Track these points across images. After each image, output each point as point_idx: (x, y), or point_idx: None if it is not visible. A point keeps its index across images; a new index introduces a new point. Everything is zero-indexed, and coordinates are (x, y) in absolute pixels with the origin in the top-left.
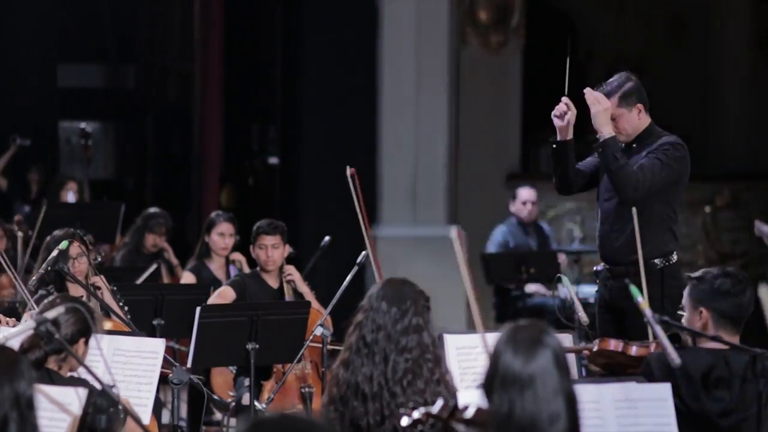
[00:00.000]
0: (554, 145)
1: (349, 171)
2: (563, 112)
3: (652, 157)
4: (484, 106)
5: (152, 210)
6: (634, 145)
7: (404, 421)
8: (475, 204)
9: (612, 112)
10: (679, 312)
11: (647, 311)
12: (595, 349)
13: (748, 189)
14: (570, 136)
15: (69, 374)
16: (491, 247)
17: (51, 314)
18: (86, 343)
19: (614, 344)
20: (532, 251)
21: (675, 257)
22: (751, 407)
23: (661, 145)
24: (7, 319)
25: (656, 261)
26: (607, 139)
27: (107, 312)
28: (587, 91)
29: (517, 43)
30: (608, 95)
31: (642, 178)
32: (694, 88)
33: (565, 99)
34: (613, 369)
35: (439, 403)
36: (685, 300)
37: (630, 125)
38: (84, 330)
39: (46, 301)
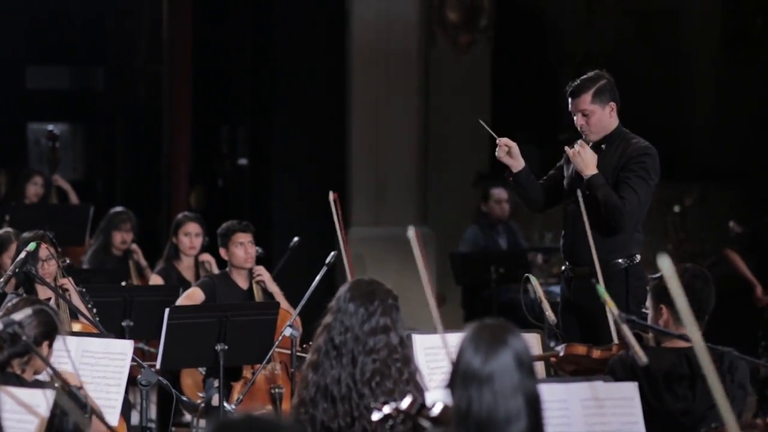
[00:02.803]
0: (510, 178)
1: (331, 196)
2: (507, 151)
3: (633, 176)
4: (454, 107)
5: (115, 209)
6: (603, 146)
7: (375, 416)
8: (445, 204)
9: (584, 108)
10: (644, 311)
11: (614, 310)
12: (561, 354)
13: (716, 188)
14: (522, 164)
15: (33, 378)
16: (462, 247)
17: (18, 316)
18: (50, 345)
19: (579, 348)
20: (502, 251)
21: (638, 258)
22: (714, 405)
23: (636, 157)
24: None
25: (620, 261)
26: (591, 179)
27: (75, 314)
28: (567, 149)
29: (487, 44)
30: (581, 91)
31: (629, 209)
32: (663, 88)
33: (501, 140)
34: (582, 374)
35: (408, 399)
36: (648, 299)
37: (601, 123)
38: (47, 332)
39: (9, 303)
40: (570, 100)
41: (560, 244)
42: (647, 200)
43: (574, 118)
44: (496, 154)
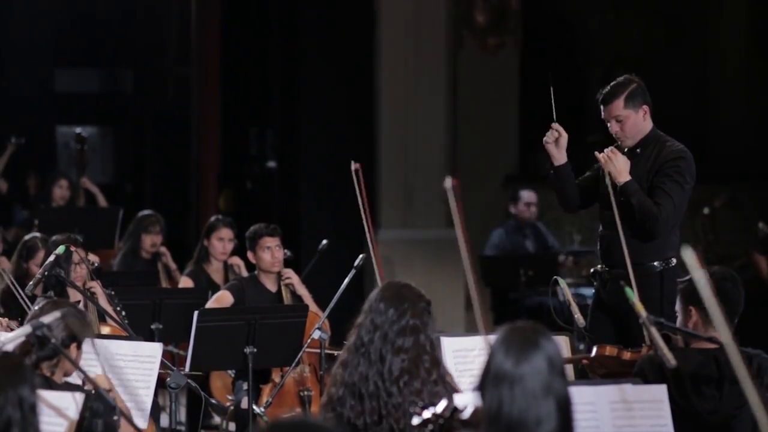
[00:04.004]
0: (551, 171)
1: (353, 166)
2: (555, 138)
3: (668, 181)
4: (482, 109)
5: (143, 212)
6: (638, 150)
7: (415, 421)
8: (473, 206)
9: (618, 114)
10: (677, 314)
11: (642, 312)
12: (593, 355)
13: (746, 190)
14: (565, 159)
15: (64, 380)
16: (489, 250)
17: (47, 319)
18: (78, 347)
19: (609, 350)
20: (530, 253)
21: (674, 261)
22: (743, 406)
23: (672, 161)
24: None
25: (655, 264)
26: (624, 186)
27: (104, 317)
28: (598, 155)
29: (514, 46)
30: (613, 97)
31: (664, 215)
32: (691, 89)
33: (555, 125)
34: (612, 377)
35: (443, 402)
36: (677, 302)
37: (636, 127)
38: (75, 335)
39: (36, 307)
40: (602, 107)
41: (597, 246)
42: (683, 204)
43: (608, 125)
44: (545, 139)
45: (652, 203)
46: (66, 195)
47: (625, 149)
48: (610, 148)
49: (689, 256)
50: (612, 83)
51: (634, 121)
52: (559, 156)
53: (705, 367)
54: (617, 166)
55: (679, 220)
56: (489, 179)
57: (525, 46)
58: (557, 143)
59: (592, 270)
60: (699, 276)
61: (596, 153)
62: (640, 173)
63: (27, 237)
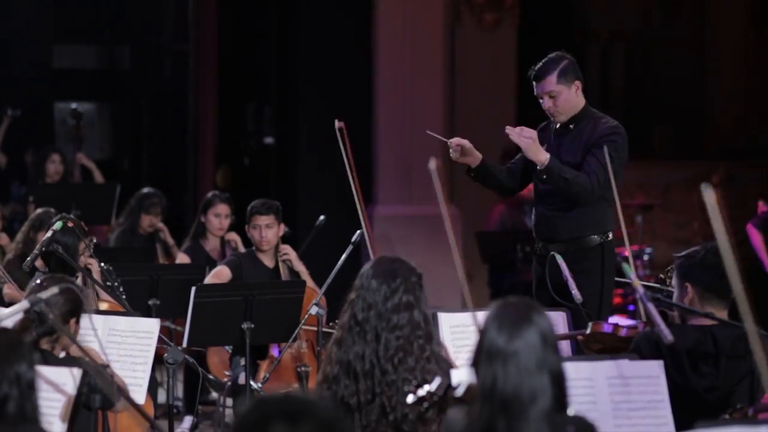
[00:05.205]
0: (471, 174)
1: (337, 124)
2: (457, 149)
3: (599, 152)
4: (479, 85)
5: (146, 190)
6: (571, 126)
7: (410, 399)
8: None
9: (551, 89)
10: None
11: (640, 289)
12: (588, 332)
13: (743, 166)
14: (478, 158)
15: (62, 354)
16: (488, 226)
17: (45, 294)
18: (77, 321)
19: (605, 326)
20: (528, 229)
21: (611, 234)
22: (740, 382)
23: (607, 136)
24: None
25: (595, 237)
26: (548, 165)
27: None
28: (508, 129)
29: (512, 22)
30: (545, 73)
31: (595, 182)
32: (689, 65)
33: (452, 142)
34: (608, 353)
35: (437, 380)
36: (674, 278)
37: (568, 103)
38: (74, 309)
39: (35, 282)
40: (534, 84)
41: (532, 223)
42: (614, 173)
43: (541, 101)
44: (451, 156)
45: (581, 173)
46: (60, 170)
47: (558, 125)
48: (520, 127)
49: (709, 194)
50: (544, 60)
51: (567, 97)
52: (473, 160)
53: (702, 343)
54: (536, 147)
55: (604, 191)
56: (486, 155)
57: (522, 23)
58: (464, 153)
59: (528, 249)
60: (717, 217)
61: (507, 130)
62: (574, 148)
63: (40, 210)
